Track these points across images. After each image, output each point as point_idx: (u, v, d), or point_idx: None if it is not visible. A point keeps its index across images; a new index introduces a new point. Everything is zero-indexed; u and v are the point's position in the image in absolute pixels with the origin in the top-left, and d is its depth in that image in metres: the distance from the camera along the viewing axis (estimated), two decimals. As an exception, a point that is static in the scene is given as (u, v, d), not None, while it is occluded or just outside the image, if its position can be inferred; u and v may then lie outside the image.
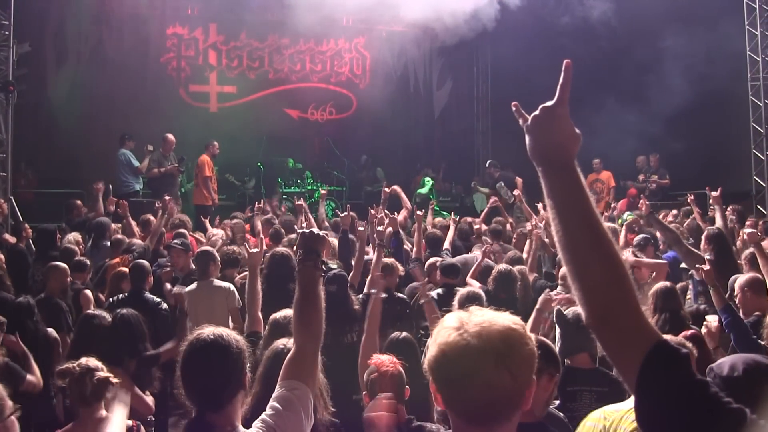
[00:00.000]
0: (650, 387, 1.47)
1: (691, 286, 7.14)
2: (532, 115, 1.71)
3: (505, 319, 1.72)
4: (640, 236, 8.22)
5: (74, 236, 9.13)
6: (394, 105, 18.63)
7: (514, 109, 1.80)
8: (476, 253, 8.13)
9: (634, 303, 1.55)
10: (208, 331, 2.74)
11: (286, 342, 3.59)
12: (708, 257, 6.76)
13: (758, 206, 13.78)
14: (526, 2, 13.97)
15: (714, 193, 8.45)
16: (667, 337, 3.82)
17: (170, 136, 13.36)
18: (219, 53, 17.76)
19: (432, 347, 1.77)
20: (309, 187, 15.99)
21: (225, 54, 17.76)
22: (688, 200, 10.13)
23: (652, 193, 14.06)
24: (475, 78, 20.15)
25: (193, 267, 7.44)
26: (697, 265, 6.16)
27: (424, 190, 16.01)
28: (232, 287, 6.72)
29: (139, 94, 15.74)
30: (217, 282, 6.72)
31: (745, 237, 7.45)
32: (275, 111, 17.54)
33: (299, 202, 9.95)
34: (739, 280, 5.67)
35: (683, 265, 7.27)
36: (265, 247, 7.93)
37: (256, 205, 10.26)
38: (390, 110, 18.27)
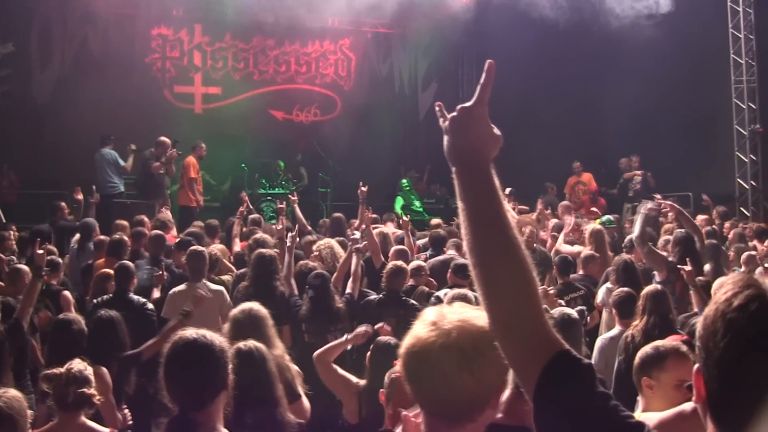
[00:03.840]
0: (547, 398, 1.41)
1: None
2: (450, 115, 1.67)
3: (483, 319, 1.66)
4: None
5: (76, 239, 9.15)
6: (379, 107, 18.61)
7: (437, 109, 1.75)
8: (451, 253, 8.06)
9: (538, 311, 1.49)
10: (191, 331, 2.83)
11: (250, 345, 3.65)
12: (671, 259, 6.82)
13: (741, 208, 13.88)
14: (509, 1, 13.98)
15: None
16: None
17: (165, 139, 12.57)
18: (204, 54, 17.63)
19: (407, 339, 1.78)
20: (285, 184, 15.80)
21: (210, 55, 17.65)
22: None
23: (636, 194, 14.09)
24: (459, 79, 20.13)
25: None
26: (678, 266, 6.20)
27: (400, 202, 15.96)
28: (225, 291, 6.63)
29: (124, 94, 15.55)
30: (212, 285, 6.59)
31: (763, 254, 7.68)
32: (260, 112, 17.45)
33: (281, 206, 9.90)
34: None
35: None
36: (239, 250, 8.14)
37: (240, 210, 10.06)
38: (375, 112, 18.25)
